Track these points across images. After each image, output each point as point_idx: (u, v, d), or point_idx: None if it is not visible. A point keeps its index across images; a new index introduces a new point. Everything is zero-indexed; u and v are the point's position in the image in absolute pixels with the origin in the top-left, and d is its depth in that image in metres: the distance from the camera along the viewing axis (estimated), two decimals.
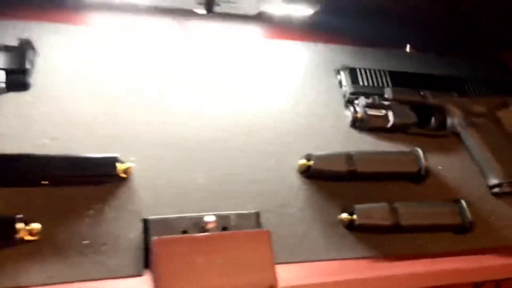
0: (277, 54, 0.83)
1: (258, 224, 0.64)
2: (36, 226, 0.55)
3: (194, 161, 0.68)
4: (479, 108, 0.84)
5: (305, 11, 0.85)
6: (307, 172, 0.70)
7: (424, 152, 0.75)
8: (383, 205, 0.70)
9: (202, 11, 0.78)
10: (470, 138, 0.82)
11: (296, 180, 0.71)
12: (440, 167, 0.78)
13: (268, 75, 0.80)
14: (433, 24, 0.91)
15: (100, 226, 0.59)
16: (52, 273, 0.54)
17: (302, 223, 0.67)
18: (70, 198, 0.60)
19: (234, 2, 0.70)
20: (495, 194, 0.79)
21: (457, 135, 0.83)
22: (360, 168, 0.71)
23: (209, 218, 0.60)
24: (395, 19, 0.90)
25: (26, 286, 0.53)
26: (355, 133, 0.78)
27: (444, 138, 0.83)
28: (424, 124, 0.84)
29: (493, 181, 0.79)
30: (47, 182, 0.59)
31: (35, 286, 0.53)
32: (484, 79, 0.89)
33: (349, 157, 0.71)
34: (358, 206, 0.69)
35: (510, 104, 0.90)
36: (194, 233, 0.58)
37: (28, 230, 0.55)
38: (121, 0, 0.71)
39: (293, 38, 0.87)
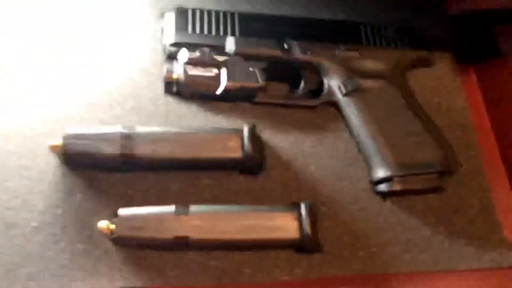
0: None
1: None
2: None
3: None
4: (374, 65, 0.58)
5: None
6: (63, 158, 0.48)
7: (254, 130, 0.50)
8: (165, 208, 0.46)
9: None
10: (353, 110, 0.55)
11: (51, 170, 0.48)
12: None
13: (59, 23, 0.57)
14: None
15: None
16: None
17: (40, 233, 0.45)
18: None
19: None
20: (380, 194, 0.53)
21: (335, 105, 0.57)
22: (141, 151, 0.47)
23: None
24: None
25: None
26: (171, 102, 0.54)
27: (313, 111, 0.57)
28: (291, 90, 0.58)
29: (379, 173, 0.53)
30: None
31: None
32: (395, 24, 0.61)
33: (126, 137, 0.47)
34: (122, 211, 0.45)
35: (433, 63, 0.63)
36: None
37: None
38: None
39: None
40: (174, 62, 0.54)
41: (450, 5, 0.68)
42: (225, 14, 0.57)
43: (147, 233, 0.45)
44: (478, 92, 0.65)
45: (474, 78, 0.66)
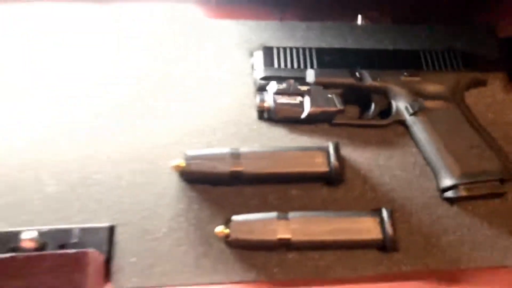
0: (185, 37, 0.71)
1: (108, 240, 0.54)
2: None
3: (41, 164, 0.59)
4: (435, 88, 0.66)
5: None
6: (183, 175, 0.59)
7: (338, 147, 0.59)
8: (269, 215, 0.56)
9: None
10: (419, 127, 0.64)
11: (171, 186, 0.59)
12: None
13: (163, 64, 0.68)
14: None
15: None
16: None
17: (168, 238, 0.56)
18: None
19: None
20: (447, 200, 0.62)
21: (403, 124, 0.66)
22: (248, 169, 0.57)
23: (28, 234, 0.51)
24: None
25: None
26: (263, 126, 0.65)
27: (385, 129, 0.66)
28: (363, 113, 0.68)
29: (446, 182, 0.61)
30: None
31: None
32: (451, 50, 0.70)
33: (235, 156, 0.58)
34: (235, 217, 0.56)
35: (490, 82, 0.70)
36: (5, 252, 0.49)
37: None
38: None
39: (213, 16, 0.75)
40: (265, 93, 0.65)
41: (500, 29, 0.76)
42: (303, 50, 0.67)
43: (256, 236, 0.55)
44: None
45: None
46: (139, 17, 0.71)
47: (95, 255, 0.50)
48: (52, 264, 0.47)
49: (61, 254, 0.48)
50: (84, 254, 0.48)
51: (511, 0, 0.76)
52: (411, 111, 0.64)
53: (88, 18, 0.71)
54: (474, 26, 0.76)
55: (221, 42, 0.71)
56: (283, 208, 0.58)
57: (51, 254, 0.48)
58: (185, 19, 0.72)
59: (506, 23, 0.76)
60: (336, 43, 0.72)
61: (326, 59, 0.67)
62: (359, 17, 0.76)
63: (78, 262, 0.48)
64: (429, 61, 0.69)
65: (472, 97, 0.69)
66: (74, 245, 0.52)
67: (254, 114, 0.65)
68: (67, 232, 0.53)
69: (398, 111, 0.66)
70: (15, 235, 0.51)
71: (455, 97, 0.66)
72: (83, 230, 0.54)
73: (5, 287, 0.46)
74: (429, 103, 0.65)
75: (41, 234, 0.52)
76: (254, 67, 0.67)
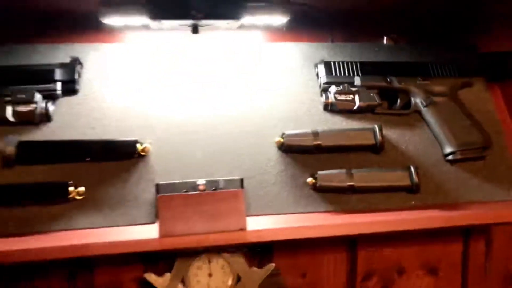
0: (268, 56, 1.03)
1: (241, 187, 0.86)
2: (82, 189, 0.82)
3: (194, 142, 0.91)
4: (439, 89, 1.00)
5: (279, 20, 1.00)
6: (282, 147, 0.91)
7: (381, 128, 0.93)
8: (340, 171, 0.89)
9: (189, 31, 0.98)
10: (430, 115, 0.98)
11: (274, 154, 0.92)
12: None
13: (259, 73, 1.01)
14: (405, 17, 1.07)
15: (125, 189, 0.84)
16: (92, 221, 0.81)
17: (276, 186, 0.89)
18: (105, 170, 0.85)
19: (213, 25, 0.91)
20: (449, 161, 0.95)
21: (419, 113, 0.99)
22: (325, 142, 0.90)
23: (201, 181, 0.83)
24: (372, 17, 1.07)
25: (75, 229, 0.79)
26: (328, 115, 0.97)
27: (407, 116, 0.99)
28: (391, 105, 1.01)
29: (448, 149, 0.95)
30: (89, 159, 0.85)
31: (81, 229, 0.80)
32: (449, 62, 1.03)
33: (315, 134, 0.91)
34: (320, 172, 0.89)
35: (473, 83, 1.04)
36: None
37: (76, 191, 0.81)
38: (141, 23, 0.94)
39: (280, 40, 1.07)
40: (327, 93, 0.98)
41: (481, 46, 1.10)
42: (351, 63, 1.00)
43: (333, 183, 0.88)
44: (502, 100, 1.07)
45: (499, 92, 1.08)
46: (229, 45, 1.03)
47: (241, 193, 0.82)
48: (221, 197, 0.80)
49: (225, 192, 0.81)
50: (238, 191, 0.81)
51: (487, 25, 1.10)
52: (424, 104, 0.98)
53: (197, 47, 1.03)
54: (463, 45, 1.10)
55: (291, 59, 1.03)
56: (347, 167, 0.91)
57: (219, 192, 0.81)
58: (260, 43, 1.04)
59: (484, 42, 1.11)
60: (372, 58, 1.05)
61: (367, 69, 1.00)
62: (385, 38, 1.10)
63: (235, 195, 0.80)
64: (435, 70, 1.02)
65: (463, 94, 1.03)
66: (222, 189, 0.84)
67: (321, 108, 0.98)
68: (217, 182, 0.85)
69: (415, 104, 0.99)
70: (190, 184, 0.83)
71: (453, 95, 1.00)
72: (226, 181, 0.86)
73: (196, 211, 0.78)
74: (436, 99, 0.98)
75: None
76: (319, 75, 1.00)
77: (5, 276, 0.93)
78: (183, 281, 0.92)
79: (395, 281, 1.13)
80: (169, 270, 0.91)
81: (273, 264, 0.93)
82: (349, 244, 1.07)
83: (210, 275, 0.94)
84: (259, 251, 1.00)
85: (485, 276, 1.19)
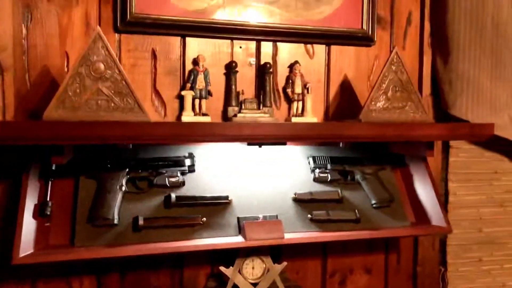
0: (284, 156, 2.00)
1: (277, 218, 1.81)
2: (204, 219, 1.75)
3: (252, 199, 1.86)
4: (368, 170, 1.99)
5: None
6: (295, 200, 1.87)
7: (341, 191, 1.91)
8: (323, 211, 1.87)
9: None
10: (364, 184, 1.97)
11: (290, 203, 1.88)
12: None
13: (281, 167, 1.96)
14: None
15: (224, 219, 1.77)
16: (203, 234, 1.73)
17: (290, 217, 1.85)
18: (212, 210, 1.80)
19: None
20: (374, 208, 1.93)
21: (359, 183, 1.98)
22: (315, 197, 1.87)
23: (260, 215, 1.77)
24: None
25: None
26: (316, 184, 1.95)
27: (353, 185, 1.97)
28: (345, 179, 2.00)
29: (373, 201, 1.92)
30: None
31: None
32: (373, 157, 2.04)
33: (311, 193, 1.87)
34: (314, 212, 1.86)
35: (386, 168, 2.06)
36: None
37: (202, 220, 1.75)
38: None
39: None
40: (314, 172, 1.96)
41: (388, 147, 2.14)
42: (326, 157, 2.00)
43: (321, 217, 1.84)
44: (400, 177, 2.10)
45: (399, 172, 2.11)
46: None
47: (280, 222, 1.77)
48: (271, 223, 1.75)
49: (273, 220, 1.76)
50: (279, 221, 1.77)
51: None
52: (362, 179, 1.98)
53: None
54: (385, 150, 2.13)
55: (295, 156, 2.01)
56: (326, 209, 1.88)
57: (271, 220, 1.76)
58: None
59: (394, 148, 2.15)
60: (337, 154, 2.04)
61: (334, 160, 1.99)
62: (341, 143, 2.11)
63: (278, 222, 1.76)
64: (366, 161, 2.04)
65: (381, 174, 2.04)
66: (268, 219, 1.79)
67: (311, 179, 1.96)
68: (266, 216, 1.80)
69: (357, 179, 2.00)
70: (254, 217, 1.78)
71: (376, 174, 2.00)
72: (270, 216, 1.80)
73: (260, 229, 1.73)
74: (367, 176, 1.99)
75: None
76: (310, 163, 1.98)
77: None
78: (240, 272, 1.83)
79: (348, 277, 2.11)
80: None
81: (286, 262, 1.86)
82: (322, 252, 2.04)
83: (253, 267, 1.85)
84: (275, 254, 1.92)
85: (398, 274, 2.20)
